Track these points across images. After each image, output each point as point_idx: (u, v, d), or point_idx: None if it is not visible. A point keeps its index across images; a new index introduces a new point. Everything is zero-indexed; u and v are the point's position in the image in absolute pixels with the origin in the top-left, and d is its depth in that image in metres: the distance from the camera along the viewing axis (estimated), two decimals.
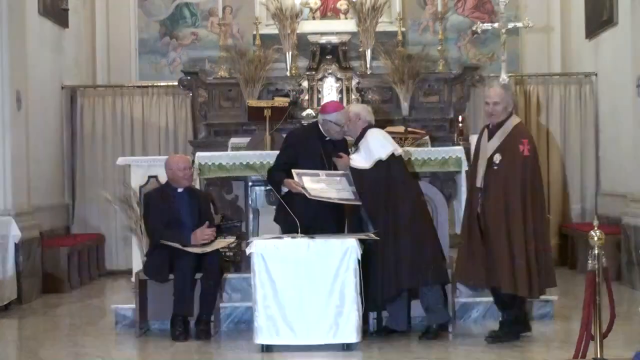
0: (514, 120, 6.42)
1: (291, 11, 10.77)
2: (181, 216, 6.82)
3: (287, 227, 6.52)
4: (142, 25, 11.96)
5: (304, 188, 6.40)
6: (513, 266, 6.17)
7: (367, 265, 6.37)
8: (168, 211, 6.83)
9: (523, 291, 6.21)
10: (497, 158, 6.27)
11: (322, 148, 6.68)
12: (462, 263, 6.49)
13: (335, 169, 6.65)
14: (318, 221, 6.42)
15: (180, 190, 6.95)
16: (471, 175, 6.63)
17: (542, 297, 7.29)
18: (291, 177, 6.50)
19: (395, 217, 6.44)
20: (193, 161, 7.45)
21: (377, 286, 6.38)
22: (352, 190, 6.52)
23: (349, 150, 6.81)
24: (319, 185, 6.48)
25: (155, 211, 6.85)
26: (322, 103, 10.36)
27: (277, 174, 6.63)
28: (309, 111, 10.13)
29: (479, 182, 6.39)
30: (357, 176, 6.51)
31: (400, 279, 6.38)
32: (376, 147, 6.56)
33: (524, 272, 6.17)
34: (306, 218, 6.35)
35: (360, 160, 6.54)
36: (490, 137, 6.39)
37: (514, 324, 6.43)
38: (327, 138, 6.72)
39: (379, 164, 6.49)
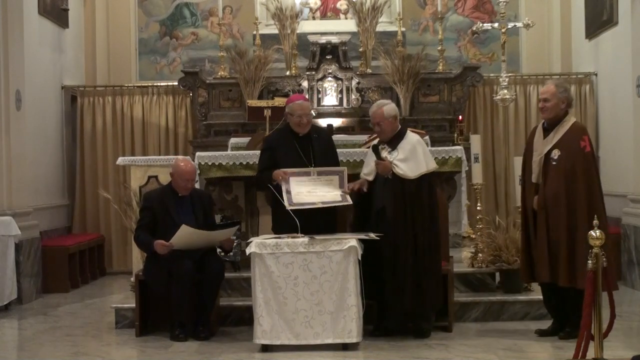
0: (572, 117, 6.54)
1: (291, 11, 10.78)
2: (179, 219, 6.78)
3: (286, 228, 6.50)
4: (142, 25, 11.96)
5: (288, 192, 6.37)
6: (574, 260, 6.19)
7: (374, 268, 6.39)
8: (165, 213, 6.80)
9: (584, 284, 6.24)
10: (556, 154, 6.36)
11: (299, 145, 6.64)
12: (526, 264, 6.54)
13: (320, 164, 6.57)
14: (311, 223, 6.37)
15: (181, 193, 6.92)
16: (525, 172, 6.63)
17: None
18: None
19: (419, 234, 6.40)
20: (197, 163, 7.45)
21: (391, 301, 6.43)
22: (341, 192, 6.48)
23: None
24: (306, 188, 6.44)
25: (146, 212, 6.84)
26: (322, 103, 10.42)
27: (265, 176, 6.62)
28: None
29: (535, 178, 6.45)
30: (398, 184, 6.41)
31: (408, 302, 6.43)
32: (426, 157, 6.50)
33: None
34: (300, 220, 6.33)
35: (406, 168, 6.42)
36: (545, 134, 6.48)
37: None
38: (302, 134, 6.67)
39: (423, 176, 6.45)
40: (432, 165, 6.60)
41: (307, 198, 6.39)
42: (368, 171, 6.61)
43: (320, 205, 6.41)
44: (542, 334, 6.53)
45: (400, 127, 6.67)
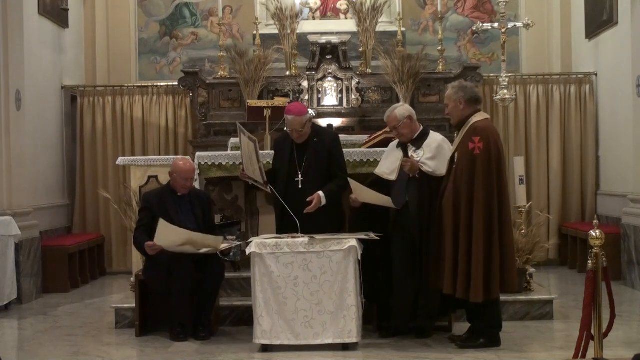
0: (475, 117, 6.23)
1: (291, 11, 10.78)
2: (179, 219, 6.77)
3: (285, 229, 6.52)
4: (142, 25, 11.97)
5: (255, 181, 6.55)
6: (456, 267, 6.05)
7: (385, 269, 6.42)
8: (164, 213, 6.77)
9: (463, 293, 6.04)
10: (456, 157, 6.22)
11: (296, 150, 6.63)
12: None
13: (310, 171, 6.55)
14: (312, 222, 6.39)
15: (180, 193, 6.92)
16: None
17: (543, 297, 7.32)
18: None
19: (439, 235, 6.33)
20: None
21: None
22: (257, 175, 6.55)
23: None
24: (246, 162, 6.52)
25: (146, 213, 6.84)
26: (322, 103, 10.41)
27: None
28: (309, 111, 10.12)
29: (445, 181, 6.29)
30: (424, 182, 6.35)
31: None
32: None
33: (465, 274, 6.01)
34: (300, 220, 6.36)
35: (434, 166, 6.35)
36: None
37: (490, 328, 6.27)
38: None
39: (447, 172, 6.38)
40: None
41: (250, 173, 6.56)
42: (390, 171, 6.52)
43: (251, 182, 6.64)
44: (453, 339, 6.39)
45: (421, 126, 6.61)
